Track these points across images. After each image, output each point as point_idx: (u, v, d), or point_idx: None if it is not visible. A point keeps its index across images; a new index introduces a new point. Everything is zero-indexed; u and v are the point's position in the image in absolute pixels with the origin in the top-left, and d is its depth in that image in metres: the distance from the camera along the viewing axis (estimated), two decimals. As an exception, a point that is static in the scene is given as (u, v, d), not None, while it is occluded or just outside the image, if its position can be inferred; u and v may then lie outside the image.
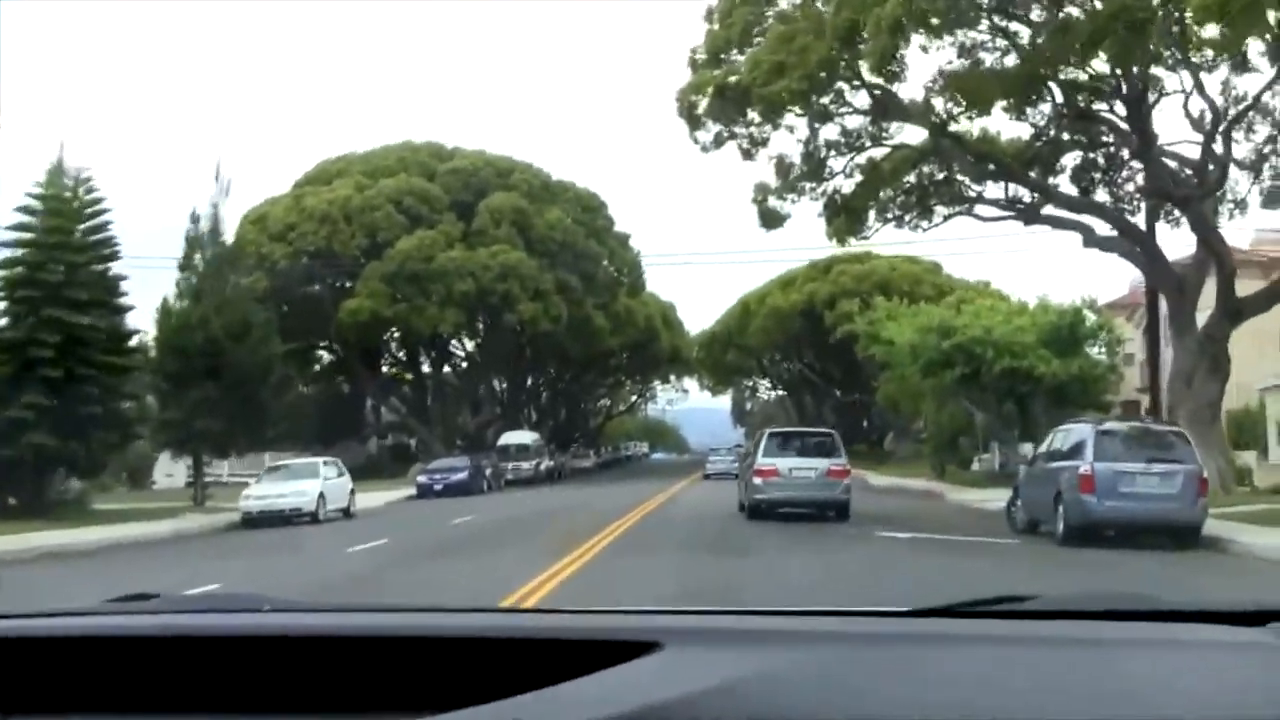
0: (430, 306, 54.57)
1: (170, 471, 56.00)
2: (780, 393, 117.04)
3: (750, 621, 1.88)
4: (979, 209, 32.66)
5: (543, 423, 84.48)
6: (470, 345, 68.37)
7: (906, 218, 32.60)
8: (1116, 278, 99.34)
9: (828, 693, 1.52)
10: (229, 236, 34.17)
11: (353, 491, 32.15)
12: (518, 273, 55.29)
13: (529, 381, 78.39)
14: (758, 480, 25.18)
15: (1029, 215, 31.31)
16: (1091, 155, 31.89)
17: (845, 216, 29.92)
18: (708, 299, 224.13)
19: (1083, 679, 1.54)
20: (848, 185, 30.15)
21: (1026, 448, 41.34)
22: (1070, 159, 31.98)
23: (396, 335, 62.32)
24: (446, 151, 61.27)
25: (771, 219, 30.29)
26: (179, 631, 1.91)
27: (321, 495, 29.04)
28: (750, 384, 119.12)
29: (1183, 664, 1.59)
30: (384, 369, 67.49)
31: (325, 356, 66.02)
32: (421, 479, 45.35)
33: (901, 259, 70.77)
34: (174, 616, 2.06)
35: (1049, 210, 31.25)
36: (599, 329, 60.05)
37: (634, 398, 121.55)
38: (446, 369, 70.68)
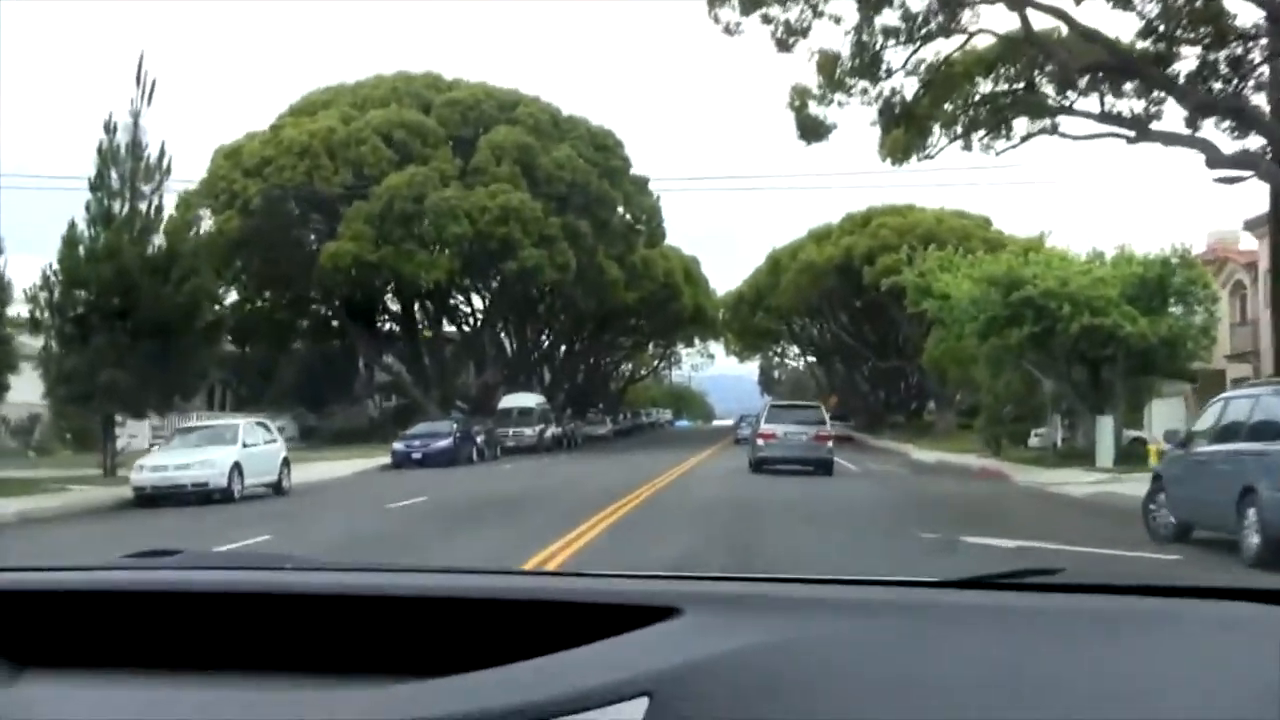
0: (420, 251, 48.50)
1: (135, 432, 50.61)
2: (810, 360, 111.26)
3: (773, 589, 1.82)
4: (1069, 127, 26.31)
5: (557, 386, 78.72)
6: (476, 300, 62.45)
7: (978, 136, 26.28)
8: (1188, 232, 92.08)
9: (849, 661, 1.51)
10: (163, 154, 27.96)
11: (286, 461, 26.13)
12: (520, 215, 49.12)
13: (541, 341, 72.38)
14: (760, 441, 32.53)
15: (1138, 128, 24.80)
16: (1213, 57, 25.39)
17: (906, 128, 23.56)
18: (736, 256, 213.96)
19: (1113, 654, 1.50)
20: (909, 87, 23.75)
21: (1106, 421, 35.12)
22: (1186, 64, 25.53)
23: (390, 286, 56.27)
24: (445, 82, 54.98)
25: (812, 129, 24.00)
26: (199, 587, 1.91)
27: (237, 466, 23.04)
28: (779, 349, 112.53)
29: (1216, 640, 1.54)
30: (379, 324, 61.46)
31: (319, 310, 60.08)
32: (398, 446, 39.36)
33: (949, 212, 64.17)
34: (194, 572, 2.06)
35: (1159, 126, 24.90)
36: (613, 281, 53.83)
37: (656, 362, 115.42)
38: (449, 325, 64.90)
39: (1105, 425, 34.81)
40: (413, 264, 48.58)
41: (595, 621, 1.60)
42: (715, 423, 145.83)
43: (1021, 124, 27.09)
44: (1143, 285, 34.76)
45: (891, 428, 76.27)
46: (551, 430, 54.39)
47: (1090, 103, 25.73)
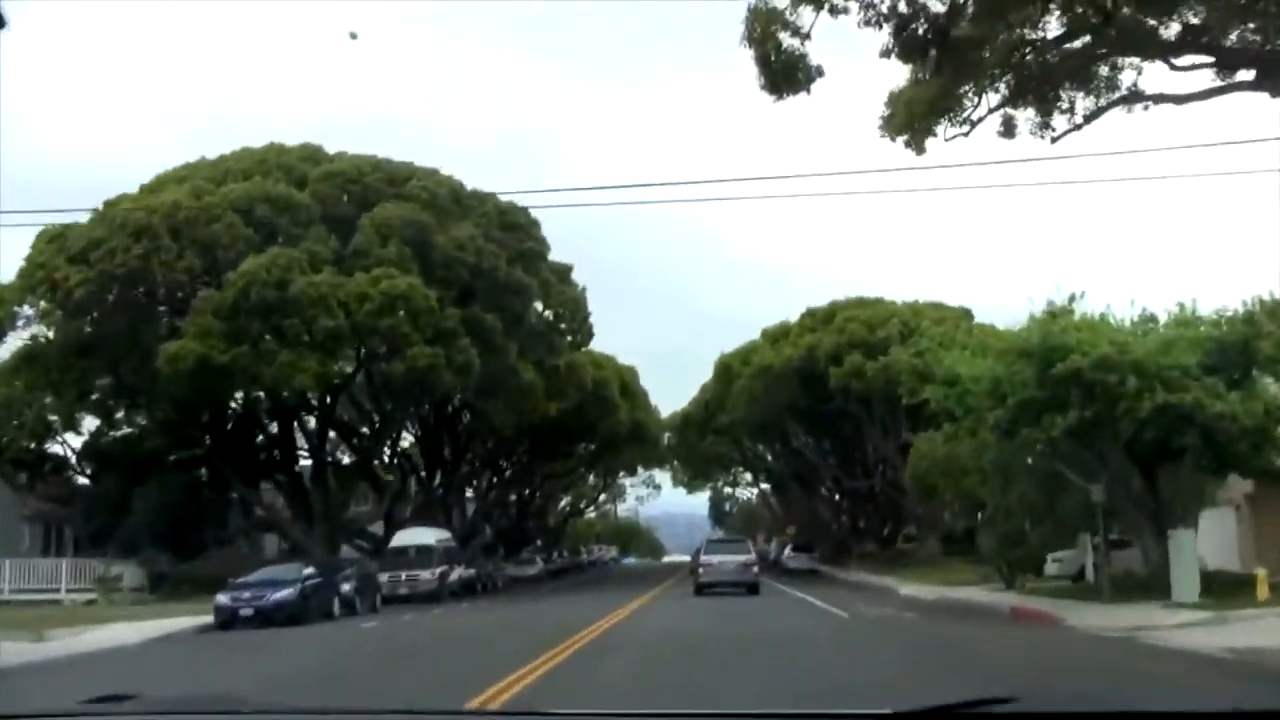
0: (283, 351, 38.69)
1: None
2: (764, 487, 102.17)
3: None
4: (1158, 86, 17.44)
5: (482, 520, 68.57)
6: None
7: (1030, 114, 17.40)
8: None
9: None
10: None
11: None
12: (410, 304, 39.66)
13: (461, 466, 62.38)
14: (701, 570, 39.37)
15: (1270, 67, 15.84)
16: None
17: (938, 66, 14.50)
18: (682, 375, 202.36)
19: None
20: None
21: (1185, 539, 25.68)
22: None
23: (264, 399, 46.30)
24: (324, 155, 45.85)
25: (786, 72, 14.97)
26: None
27: None
28: (730, 478, 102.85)
29: None
30: (258, 447, 51.20)
31: (185, 430, 49.78)
32: (221, 599, 29.08)
33: (926, 304, 55.63)
34: (150, 718, 2.08)
35: None
36: (529, 388, 44.24)
37: (599, 494, 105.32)
38: (347, 450, 54.97)
39: (1183, 544, 25.52)
40: (274, 367, 38.74)
41: None
42: (666, 559, 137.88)
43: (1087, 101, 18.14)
44: (1222, 351, 25.88)
45: (861, 558, 66.74)
46: (458, 573, 44.24)
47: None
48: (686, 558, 72.24)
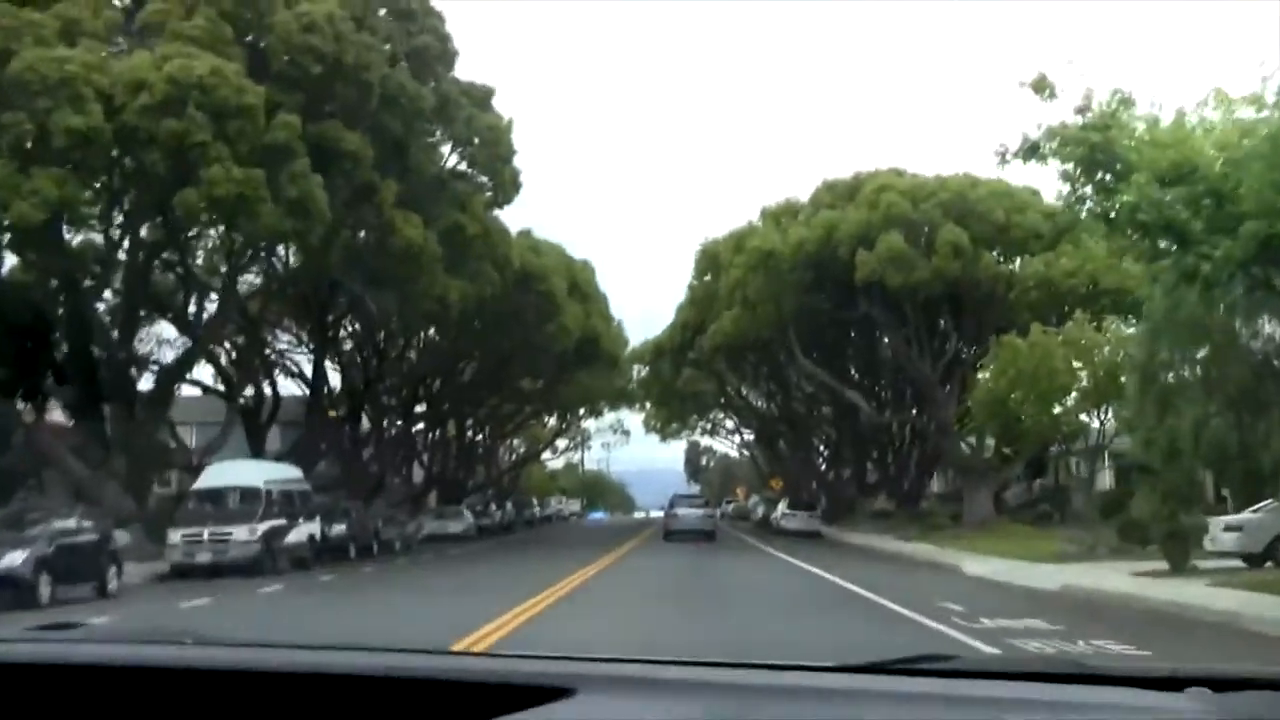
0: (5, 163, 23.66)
1: None
2: (747, 437, 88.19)
3: (667, 671, 1.79)
4: None
5: (386, 462, 54.00)
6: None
7: None
8: None
9: None
10: None
11: None
12: (212, 99, 24.65)
13: (357, 384, 47.50)
14: (669, 520, 45.82)
15: None
16: None
17: None
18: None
19: None
20: None
21: None
22: None
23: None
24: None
25: None
26: (101, 661, 1.89)
27: None
28: (709, 424, 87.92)
29: None
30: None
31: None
32: None
33: (992, 180, 40.63)
34: (97, 647, 2.05)
35: None
36: (414, 253, 29.04)
37: (557, 439, 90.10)
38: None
39: None
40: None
41: (492, 700, 1.60)
42: (637, 514, 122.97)
43: None
44: None
45: (874, 518, 52.48)
46: (308, 530, 29.40)
47: None
48: (659, 513, 62.18)
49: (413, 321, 32.05)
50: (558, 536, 55.75)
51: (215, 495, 27.74)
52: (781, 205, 41.57)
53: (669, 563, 31.05)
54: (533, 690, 1.61)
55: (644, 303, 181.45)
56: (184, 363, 33.58)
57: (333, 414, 42.96)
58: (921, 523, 47.18)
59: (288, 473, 30.79)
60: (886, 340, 41.28)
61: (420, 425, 61.06)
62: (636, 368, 72.58)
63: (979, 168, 39.58)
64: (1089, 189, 15.99)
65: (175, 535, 25.90)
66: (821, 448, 70.84)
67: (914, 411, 46.90)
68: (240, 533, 26.09)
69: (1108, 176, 15.26)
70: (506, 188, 32.92)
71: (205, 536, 25.93)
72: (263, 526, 26.47)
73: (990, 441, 38.83)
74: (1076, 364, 29.28)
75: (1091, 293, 34.99)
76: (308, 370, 43.28)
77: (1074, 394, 29.16)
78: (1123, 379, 24.70)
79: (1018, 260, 38.24)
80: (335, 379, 47.43)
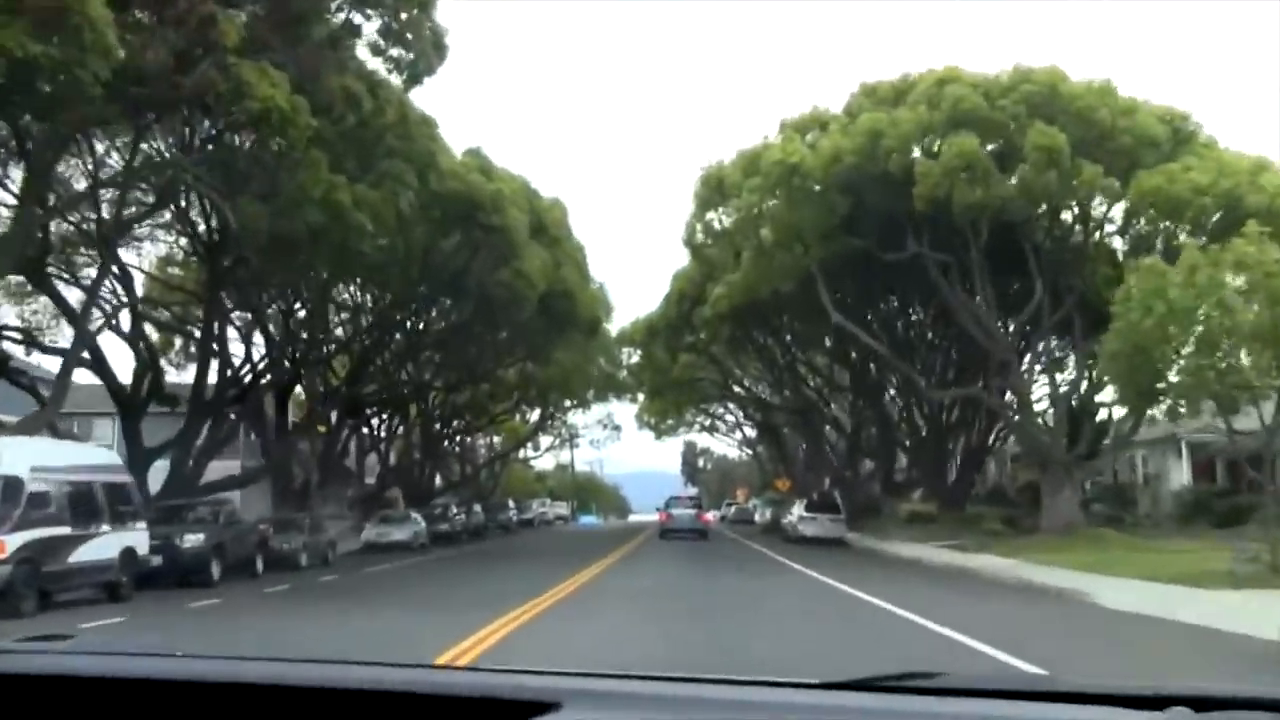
0: None
1: None
2: (749, 434, 79.99)
3: (653, 687, 1.80)
4: None
5: (330, 455, 45.11)
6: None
7: None
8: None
9: None
10: None
11: None
12: None
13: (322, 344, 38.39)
14: (665, 521, 50.30)
15: None
16: None
17: None
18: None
19: None
20: None
21: None
22: None
23: None
24: None
25: None
26: (91, 673, 1.87)
27: None
28: (708, 419, 78.91)
29: None
30: None
31: None
32: None
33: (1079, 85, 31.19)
34: (86, 659, 2.03)
35: None
36: (265, 108, 19.30)
37: (538, 433, 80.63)
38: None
39: None
40: None
41: (477, 715, 1.62)
42: (632, 518, 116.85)
43: None
44: None
45: (910, 521, 43.52)
46: (119, 543, 19.86)
47: None
48: (654, 517, 60.38)
49: (294, 239, 22.44)
50: (533, 545, 46.46)
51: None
52: (806, 116, 31.97)
53: (664, 584, 21.94)
54: (518, 705, 1.60)
55: (641, 303, 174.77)
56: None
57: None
58: (973, 528, 38.09)
59: (92, 458, 21.21)
60: (941, 291, 31.80)
61: (376, 412, 52.14)
62: (627, 351, 63.87)
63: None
64: None
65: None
66: (836, 439, 61.72)
67: (980, 385, 37.36)
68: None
69: None
70: (425, 59, 23.03)
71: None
72: (14, 539, 17.00)
73: (1118, 411, 29.45)
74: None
75: (1232, 216, 25.82)
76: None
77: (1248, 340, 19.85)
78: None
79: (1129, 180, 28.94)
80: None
